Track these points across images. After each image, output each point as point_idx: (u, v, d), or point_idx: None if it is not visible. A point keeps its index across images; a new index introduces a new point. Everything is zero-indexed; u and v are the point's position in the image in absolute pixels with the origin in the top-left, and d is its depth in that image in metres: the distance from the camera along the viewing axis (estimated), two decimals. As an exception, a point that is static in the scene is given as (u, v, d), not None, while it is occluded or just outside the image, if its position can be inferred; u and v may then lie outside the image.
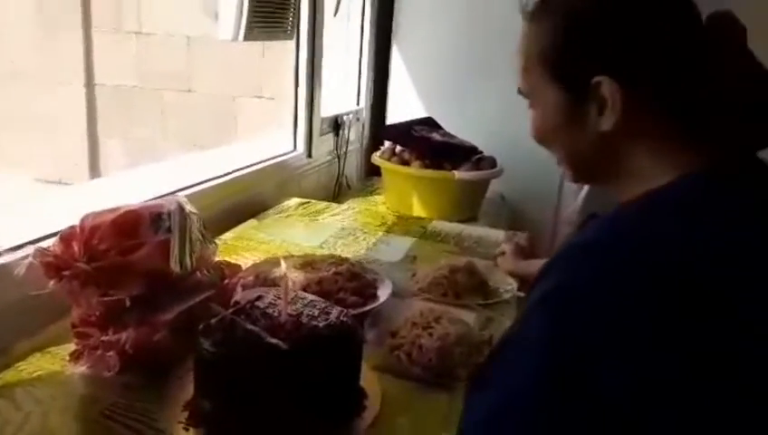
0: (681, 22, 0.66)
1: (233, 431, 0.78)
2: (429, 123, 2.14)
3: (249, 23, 1.52)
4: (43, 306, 0.92)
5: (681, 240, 0.56)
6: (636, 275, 0.54)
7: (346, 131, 2.29)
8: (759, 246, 0.57)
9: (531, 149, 0.81)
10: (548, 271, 0.60)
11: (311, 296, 0.91)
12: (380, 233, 1.60)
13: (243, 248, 1.41)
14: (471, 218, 1.97)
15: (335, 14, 2.01)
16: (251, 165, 1.77)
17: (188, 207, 1.07)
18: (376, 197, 2.19)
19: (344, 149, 2.30)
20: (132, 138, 3.65)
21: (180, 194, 1.46)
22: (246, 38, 1.53)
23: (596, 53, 0.65)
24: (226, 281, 1.11)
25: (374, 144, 2.58)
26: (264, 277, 1.13)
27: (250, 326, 0.79)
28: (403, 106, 2.46)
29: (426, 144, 1.95)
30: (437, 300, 1.15)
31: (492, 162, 1.97)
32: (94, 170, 3.67)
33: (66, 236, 0.85)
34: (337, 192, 2.29)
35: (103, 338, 0.86)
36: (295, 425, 0.77)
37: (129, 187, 1.46)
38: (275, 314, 0.84)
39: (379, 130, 2.57)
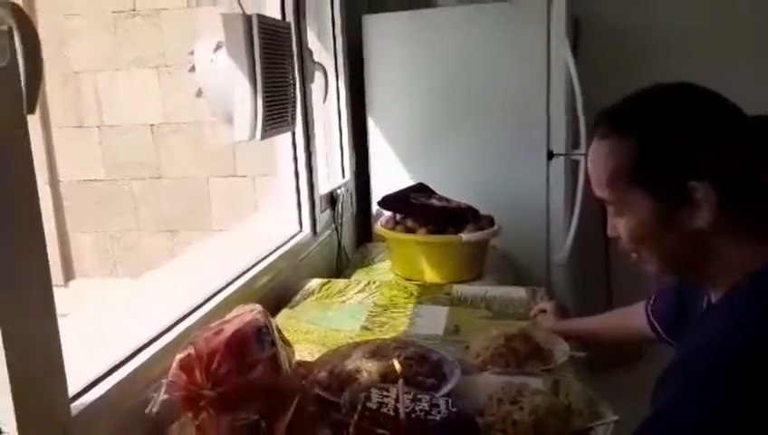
0: (742, 124, 0.76)
1: None
2: (423, 189, 2.24)
3: (264, 123, 1.59)
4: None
5: None
6: None
7: (340, 205, 2.37)
8: None
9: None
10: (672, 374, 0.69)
11: (412, 390, 0.98)
12: (411, 305, 1.67)
13: (293, 342, 1.44)
14: (478, 276, 2.06)
15: (324, 102, 2.10)
16: (270, 253, 1.82)
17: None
18: (379, 265, 2.26)
19: (340, 222, 2.37)
20: (104, 231, 3.60)
21: (221, 295, 1.50)
22: (263, 137, 1.60)
23: (685, 163, 0.74)
24: (304, 381, 1.15)
25: (363, 213, 2.67)
26: (338, 373, 1.18)
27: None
28: (385, 173, 2.58)
29: (428, 211, 2.04)
30: (503, 371, 1.22)
31: (490, 220, 2.08)
32: (67, 269, 3.60)
33: (186, 365, 0.88)
34: (339, 264, 2.35)
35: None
36: None
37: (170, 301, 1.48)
38: (391, 413, 0.90)
39: (363, 197, 2.66)
